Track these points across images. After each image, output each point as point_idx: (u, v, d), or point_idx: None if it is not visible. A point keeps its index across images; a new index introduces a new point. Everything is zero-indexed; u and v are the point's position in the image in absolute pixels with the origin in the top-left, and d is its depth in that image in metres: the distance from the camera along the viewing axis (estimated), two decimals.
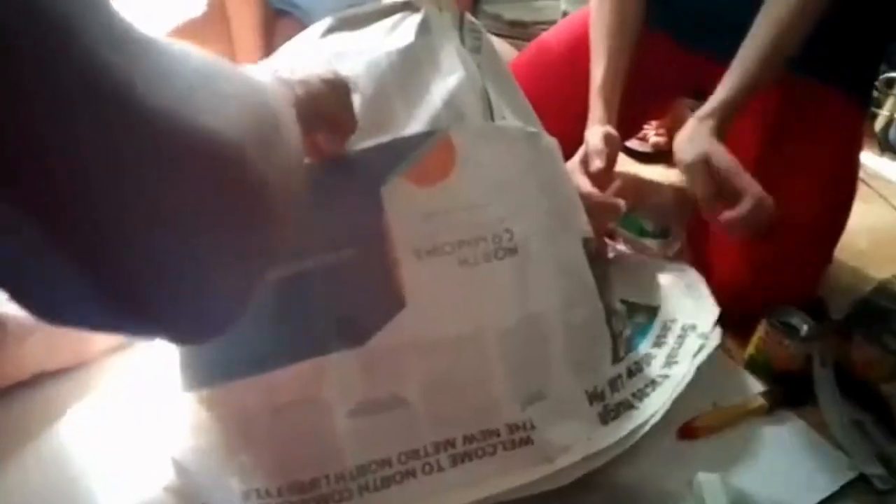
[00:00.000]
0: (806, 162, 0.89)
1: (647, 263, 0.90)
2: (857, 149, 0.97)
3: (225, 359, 0.56)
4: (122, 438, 0.65)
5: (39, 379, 0.69)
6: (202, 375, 0.57)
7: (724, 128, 0.83)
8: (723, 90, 0.83)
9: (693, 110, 1.31)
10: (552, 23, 1.46)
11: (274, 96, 0.39)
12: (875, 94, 1.48)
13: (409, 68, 0.61)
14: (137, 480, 0.61)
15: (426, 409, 0.55)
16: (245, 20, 1.20)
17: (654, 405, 0.66)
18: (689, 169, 0.80)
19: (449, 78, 0.61)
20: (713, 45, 0.93)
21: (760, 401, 0.79)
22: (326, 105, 0.50)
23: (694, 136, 0.82)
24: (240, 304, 0.32)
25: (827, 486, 0.71)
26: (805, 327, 0.82)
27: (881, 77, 1.52)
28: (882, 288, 0.97)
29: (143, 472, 0.61)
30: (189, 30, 1.14)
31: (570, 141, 0.97)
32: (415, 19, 0.63)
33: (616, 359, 0.66)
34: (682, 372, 0.70)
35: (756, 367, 0.84)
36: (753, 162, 0.87)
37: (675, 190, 1.17)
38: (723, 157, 0.79)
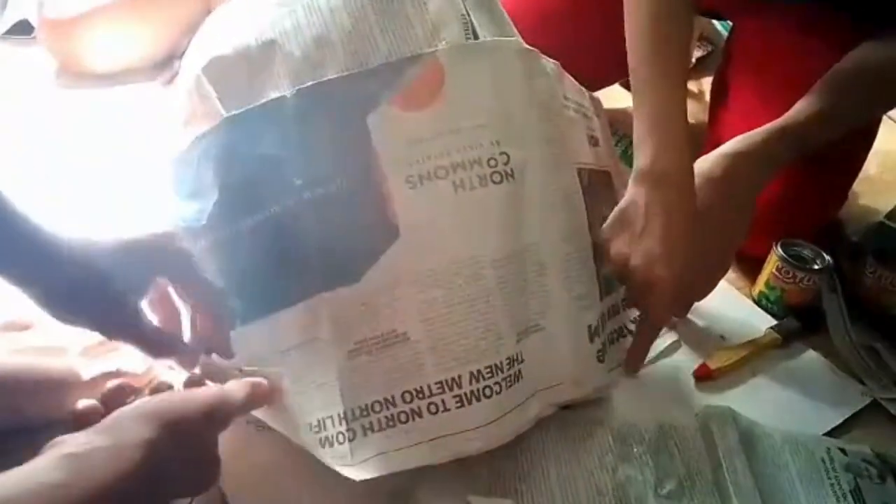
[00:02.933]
0: None
1: None
2: None
3: (235, 305, 0.55)
4: None
5: None
6: None
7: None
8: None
9: (708, 37, 1.27)
10: None
11: None
12: None
13: None
14: None
15: (428, 343, 0.54)
16: None
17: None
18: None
19: (429, 1, 0.56)
20: None
21: (773, 335, 0.77)
22: None
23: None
24: None
25: (840, 414, 0.70)
26: (817, 259, 0.79)
27: None
28: None
29: None
30: None
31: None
32: None
33: (601, 296, 0.63)
34: None
35: (767, 301, 0.81)
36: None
37: None
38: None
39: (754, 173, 0.68)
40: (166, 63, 1.08)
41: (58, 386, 0.57)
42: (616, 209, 0.64)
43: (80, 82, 1.05)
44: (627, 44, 0.69)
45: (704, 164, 0.68)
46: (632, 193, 0.63)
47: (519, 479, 0.59)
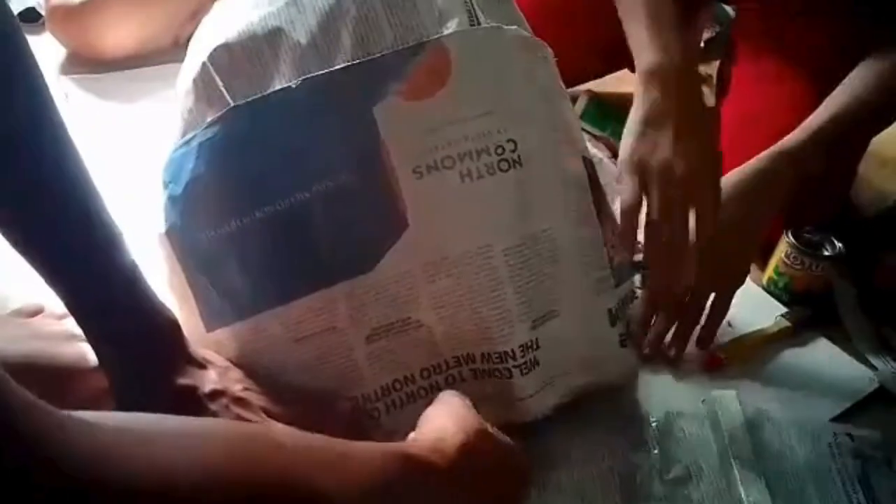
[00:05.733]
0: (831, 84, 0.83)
1: None
2: None
3: (244, 295, 0.56)
4: None
5: None
6: (225, 314, 0.57)
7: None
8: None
9: (715, 19, 1.26)
10: None
11: None
12: None
13: None
14: None
15: (441, 329, 0.55)
16: None
17: None
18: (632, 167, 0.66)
19: None
20: None
21: (785, 323, 0.76)
22: None
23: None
24: None
25: (847, 399, 0.70)
26: (828, 246, 0.79)
27: None
28: None
29: None
30: None
31: (577, 65, 0.91)
32: None
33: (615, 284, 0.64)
34: None
35: (776, 287, 0.81)
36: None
37: None
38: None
39: (782, 186, 0.71)
40: (173, 49, 1.08)
41: (69, 372, 0.58)
42: (630, 119, 0.67)
43: (89, 68, 1.05)
44: None
45: (734, 178, 0.71)
46: (639, 103, 0.66)
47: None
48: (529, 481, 0.50)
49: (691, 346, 0.72)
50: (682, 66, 0.66)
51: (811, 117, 0.73)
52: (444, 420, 0.46)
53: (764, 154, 0.72)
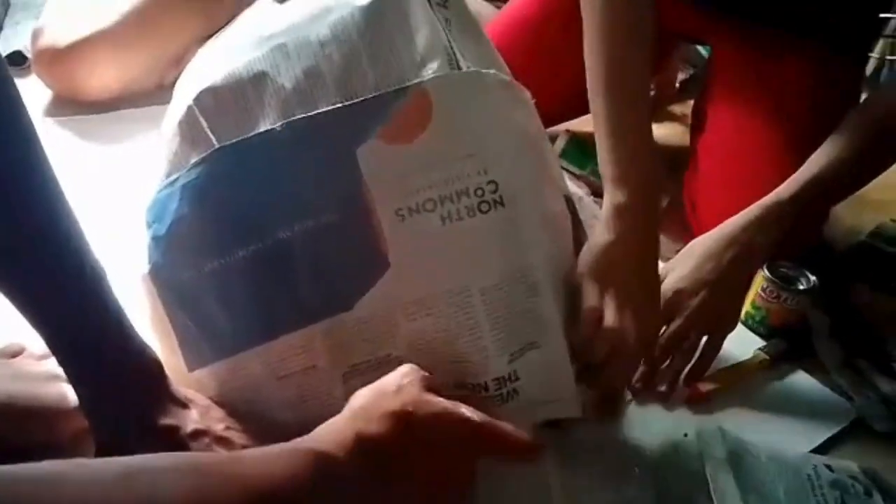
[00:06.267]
0: (804, 125, 0.85)
1: None
2: (857, 103, 0.94)
3: (226, 334, 0.56)
4: None
5: None
6: (206, 353, 0.57)
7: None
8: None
9: (690, 60, 1.30)
10: None
11: None
12: None
13: (376, 27, 0.58)
14: None
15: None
16: None
17: None
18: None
19: (416, 35, 0.58)
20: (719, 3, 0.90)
21: (763, 356, 0.78)
22: None
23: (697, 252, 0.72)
24: None
25: (826, 431, 0.71)
26: (803, 280, 0.81)
27: None
28: (880, 231, 0.95)
29: None
30: (155, 3, 1.10)
31: (558, 104, 0.94)
32: None
33: None
34: None
35: (753, 321, 0.82)
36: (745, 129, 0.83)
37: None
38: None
39: (755, 255, 0.73)
40: (158, 91, 1.09)
41: (50, 412, 0.57)
42: (588, 246, 0.66)
43: (74, 110, 1.06)
44: (588, 80, 0.71)
45: (706, 243, 0.73)
46: (610, 231, 0.66)
47: (519, 499, 0.59)
48: (485, 451, 0.48)
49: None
50: (640, 207, 0.66)
51: (792, 178, 0.74)
52: (365, 400, 0.47)
53: (748, 213, 0.74)
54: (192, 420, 0.52)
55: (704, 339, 0.73)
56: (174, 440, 0.51)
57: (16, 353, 0.62)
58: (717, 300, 0.71)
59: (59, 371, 0.60)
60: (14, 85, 0.48)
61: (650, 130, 0.70)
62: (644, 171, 0.67)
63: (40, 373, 0.60)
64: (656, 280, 0.69)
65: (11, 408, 0.56)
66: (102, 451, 0.51)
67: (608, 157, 0.68)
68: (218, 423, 0.54)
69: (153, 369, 0.54)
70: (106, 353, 0.51)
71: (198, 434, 0.52)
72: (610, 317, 0.63)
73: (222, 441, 0.53)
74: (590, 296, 0.64)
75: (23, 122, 0.49)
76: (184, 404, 0.54)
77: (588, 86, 0.70)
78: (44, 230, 0.49)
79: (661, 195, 0.72)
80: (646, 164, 0.67)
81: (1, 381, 0.58)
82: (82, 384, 0.52)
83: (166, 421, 0.51)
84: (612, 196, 0.67)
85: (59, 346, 0.51)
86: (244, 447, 0.53)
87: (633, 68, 0.70)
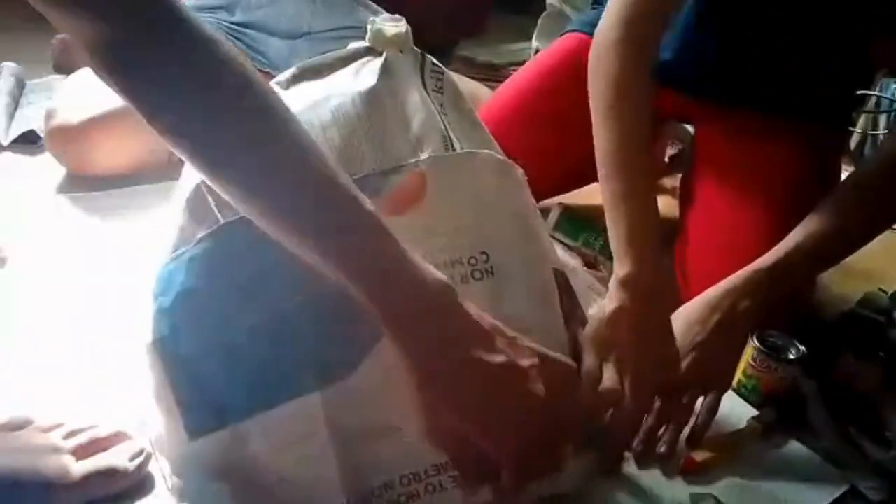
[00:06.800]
0: (786, 199, 0.89)
1: None
2: (838, 177, 0.98)
3: (228, 403, 0.57)
4: None
5: None
6: (209, 422, 0.58)
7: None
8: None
9: (678, 137, 1.35)
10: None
11: None
12: None
13: (374, 112, 0.61)
14: None
15: (421, 434, 0.55)
16: None
17: None
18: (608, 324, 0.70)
19: (413, 119, 0.61)
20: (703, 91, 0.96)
21: (754, 425, 0.78)
22: None
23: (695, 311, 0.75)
24: None
25: (820, 501, 0.71)
26: (792, 350, 0.82)
27: None
28: (867, 300, 0.97)
29: None
30: None
31: (551, 180, 0.98)
32: (377, 63, 0.63)
33: None
34: None
35: (745, 390, 0.83)
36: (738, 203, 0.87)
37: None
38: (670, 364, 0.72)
39: (738, 320, 0.75)
40: (168, 167, 1.13)
41: (51, 486, 0.58)
42: (592, 316, 0.71)
43: (87, 186, 1.09)
44: (597, 160, 0.77)
45: (691, 309, 0.76)
46: (612, 301, 0.71)
47: None
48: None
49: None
50: (652, 281, 0.72)
51: (773, 249, 0.77)
52: None
53: (729, 281, 0.76)
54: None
55: (700, 401, 0.74)
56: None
57: (21, 426, 0.64)
58: (708, 359, 0.73)
59: (63, 444, 0.61)
60: None
61: (656, 206, 0.75)
62: (649, 243, 0.72)
63: (45, 446, 0.61)
64: (659, 344, 0.72)
65: (15, 480, 0.57)
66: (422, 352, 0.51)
67: (615, 231, 0.73)
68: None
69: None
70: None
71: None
72: (608, 380, 0.67)
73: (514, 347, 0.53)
74: (588, 361, 0.68)
75: None
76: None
77: (598, 161, 0.77)
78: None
79: (662, 271, 0.75)
80: (650, 237, 0.72)
81: (6, 453, 0.59)
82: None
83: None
84: (617, 267, 0.72)
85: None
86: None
87: (640, 145, 0.76)
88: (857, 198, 0.78)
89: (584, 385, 0.66)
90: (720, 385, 0.76)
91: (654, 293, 0.71)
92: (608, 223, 0.75)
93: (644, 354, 0.70)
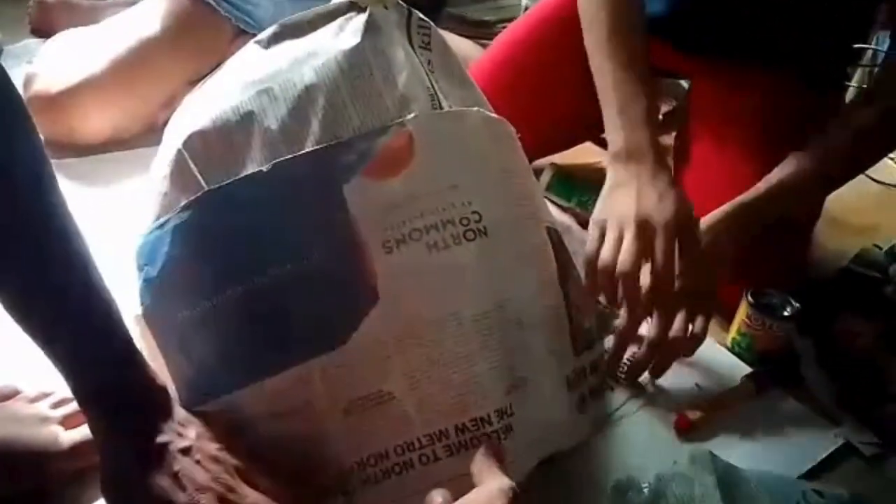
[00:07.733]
0: (779, 152, 0.88)
1: None
2: None
3: (220, 373, 0.57)
4: None
5: None
6: (201, 392, 0.57)
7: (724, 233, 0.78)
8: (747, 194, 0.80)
9: (672, 93, 1.33)
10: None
11: None
12: None
13: (359, 70, 0.59)
14: None
15: (413, 400, 0.56)
16: (203, 40, 1.18)
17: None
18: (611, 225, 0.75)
19: (398, 77, 0.59)
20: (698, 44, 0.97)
21: (748, 383, 0.78)
22: None
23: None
24: None
25: (814, 456, 0.72)
26: (787, 307, 0.82)
27: None
28: (862, 256, 0.97)
29: None
30: (145, 49, 1.12)
31: (544, 139, 0.96)
32: (360, 19, 0.61)
33: (576, 351, 0.65)
34: None
35: (739, 348, 0.83)
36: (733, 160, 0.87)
37: None
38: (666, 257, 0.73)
39: (721, 250, 0.79)
40: (149, 133, 1.11)
41: (42, 454, 0.58)
42: (602, 194, 0.77)
43: (67, 153, 1.07)
44: (587, 43, 0.84)
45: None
46: (610, 176, 0.78)
47: None
48: None
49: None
50: (647, 146, 0.77)
51: (755, 185, 0.80)
52: None
53: (713, 216, 0.80)
54: (187, 438, 0.52)
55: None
56: (162, 454, 0.51)
57: (9, 396, 0.63)
58: (692, 281, 0.75)
59: (52, 413, 0.60)
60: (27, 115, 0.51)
61: (653, 89, 0.82)
62: (639, 117, 0.79)
63: (32, 415, 0.60)
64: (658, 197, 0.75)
65: (6, 450, 0.57)
66: (104, 461, 0.51)
67: (606, 111, 0.80)
68: (212, 443, 0.53)
69: (161, 397, 0.54)
70: (115, 380, 0.52)
71: (188, 450, 0.52)
72: (605, 251, 0.73)
73: (215, 460, 0.52)
74: (590, 240, 0.75)
75: (35, 150, 0.52)
76: (183, 424, 0.54)
77: (589, 54, 0.84)
78: (56, 254, 0.51)
79: (657, 135, 0.80)
80: (643, 111, 0.79)
81: None
82: (91, 410, 0.52)
83: (162, 438, 0.52)
84: (609, 146, 0.78)
85: (72, 373, 0.51)
86: (236, 468, 0.53)
87: (632, 36, 0.83)
88: (841, 137, 0.81)
89: (586, 267, 0.74)
90: (706, 301, 0.77)
91: (654, 155, 0.77)
92: (601, 102, 0.81)
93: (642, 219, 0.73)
